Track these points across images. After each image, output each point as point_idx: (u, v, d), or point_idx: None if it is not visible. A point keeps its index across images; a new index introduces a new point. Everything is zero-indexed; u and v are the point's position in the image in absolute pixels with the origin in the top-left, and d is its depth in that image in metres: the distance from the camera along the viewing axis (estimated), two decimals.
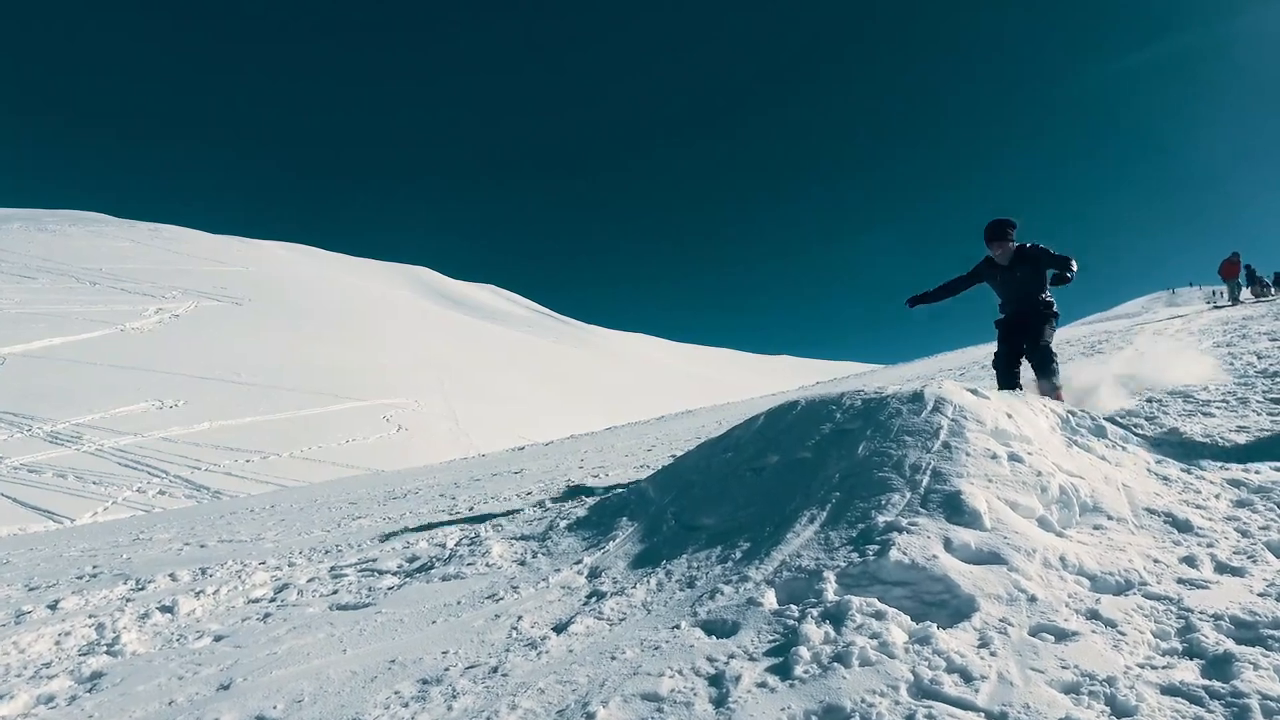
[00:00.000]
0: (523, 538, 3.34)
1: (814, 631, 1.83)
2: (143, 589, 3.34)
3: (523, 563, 3.00)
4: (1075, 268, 4.52)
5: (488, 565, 2.99)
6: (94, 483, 15.11)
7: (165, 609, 2.90)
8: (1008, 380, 4.75)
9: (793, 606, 2.00)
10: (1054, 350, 4.76)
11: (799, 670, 1.67)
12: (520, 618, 2.34)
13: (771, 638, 1.86)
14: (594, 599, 2.42)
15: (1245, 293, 19.63)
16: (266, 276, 45.20)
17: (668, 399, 35.31)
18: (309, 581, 3.18)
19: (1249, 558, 2.12)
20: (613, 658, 1.90)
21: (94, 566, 4.14)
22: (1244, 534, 2.32)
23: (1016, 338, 4.79)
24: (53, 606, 3.14)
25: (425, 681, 1.94)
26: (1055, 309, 4.79)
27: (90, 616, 2.89)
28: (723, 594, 2.18)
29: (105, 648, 2.49)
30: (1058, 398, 4.50)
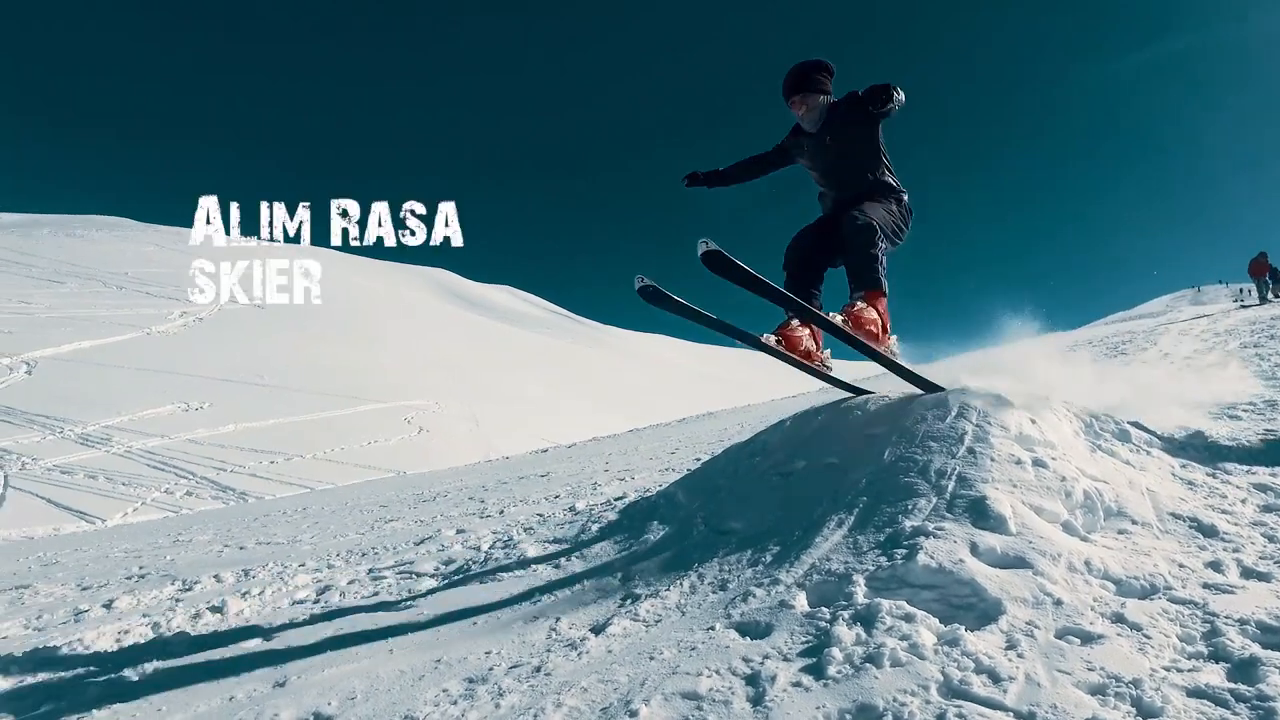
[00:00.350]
0: (555, 540, 3.44)
1: (845, 633, 1.89)
2: (190, 590, 3.47)
3: (557, 565, 3.09)
4: (899, 96, 2.97)
5: (522, 568, 3.09)
6: (123, 484, 15.47)
7: (215, 609, 3.02)
8: (801, 280, 3.17)
9: (824, 609, 2.06)
10: (880, 235, 3.07)
11: (832, 670, 1.73)
12: (558, 619, 2.42)
13: (804, 639, 1.93)
14: (629, 601, 2.50)
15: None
16: None
17: (684, 399, 35.33)
18: (349, 584, 3.30)
19: (1275, 563, 2.14)
20: (651, 658, 1.98)
21: (140, 567, 4.30)
22: (1270, 539, 2.34)
23: (828, 228, 3.23)
24: (108, 606, 3.28)
25: (471, 680, 2.03)
26: (901, 194, 3.27)
27: (144, 616, 3.02)
28: (755, 596, 2.24)
29: (163, 646, 2.62)
30: (868, 330, 3.03)
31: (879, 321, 3.09)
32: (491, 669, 2.08)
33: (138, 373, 24.02)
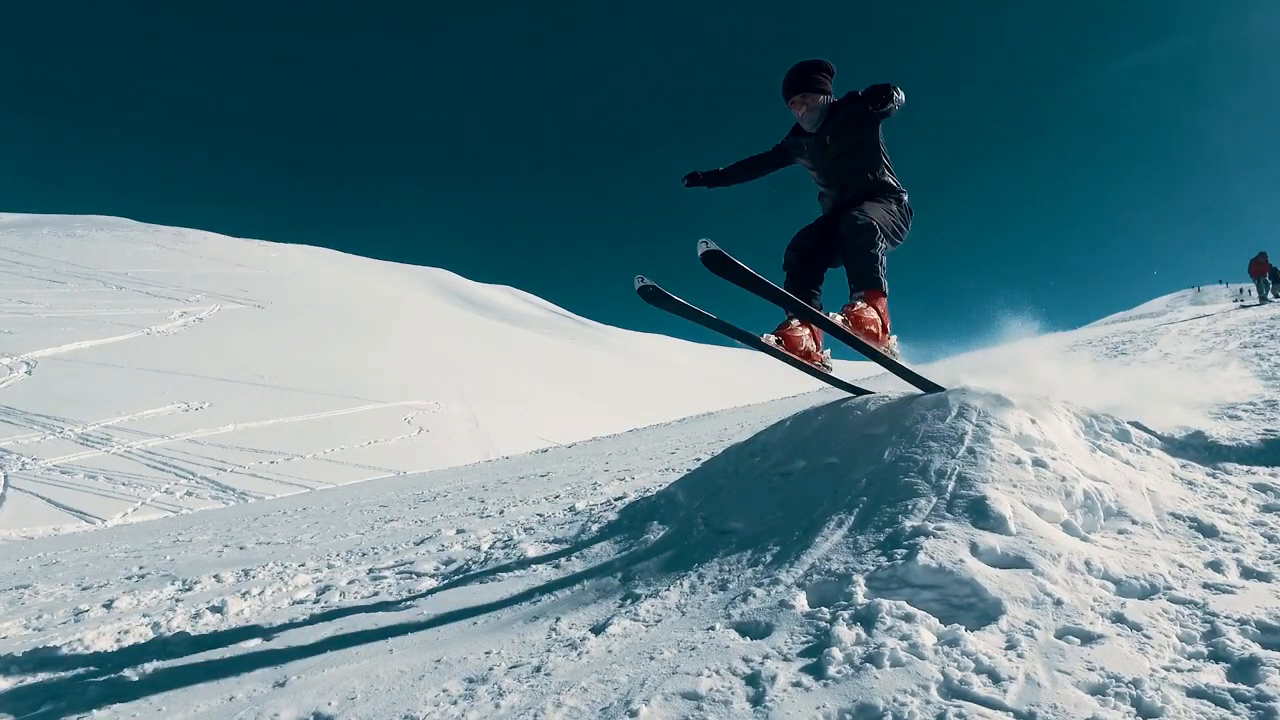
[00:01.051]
0: (555, 540, 3.44)
1: (845, 633, 1.89)
2: (190, 590, 3.47)
3: (557, 565, 3.09)
4: (899, 96, 2.98)
5: (522, 568, 3.09)
6: (123, 484, 15.47)
7: (215, 609, 3.03)
8: (801, 280, 3.18)
9: (824, 609, 2.06)
10: (880, 235, 3.07)
11: (832, 670, 1.73)
12: (558, 619, 2.42)
13: (804, 639, 1.93)
14: (629, 601, 2.50)
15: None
16: (287, 280, 45.82)
17: (685, 399, 35.37)
18: (349, 584, 3.30)
19: (1275, 563, 2.14)
20: (651, 658, 1.98)
21: (140, 567, 4.30)
22: (1270, 539, 2.34)
23: (828, 228, 3.24)
24: (108, 606, 3.28)
25: (471, 680, 2.03)
26: (901, 194, 3.28)
27: (144, 616, 3.02)
28: (755, 596, 2.24)
29: (163, 646, 2.62)
30: (868, 330, 3.05)
31: (879, 321, 3.10)
32: (491, 669, 2.08)
33: (138, 373, 24.02)
